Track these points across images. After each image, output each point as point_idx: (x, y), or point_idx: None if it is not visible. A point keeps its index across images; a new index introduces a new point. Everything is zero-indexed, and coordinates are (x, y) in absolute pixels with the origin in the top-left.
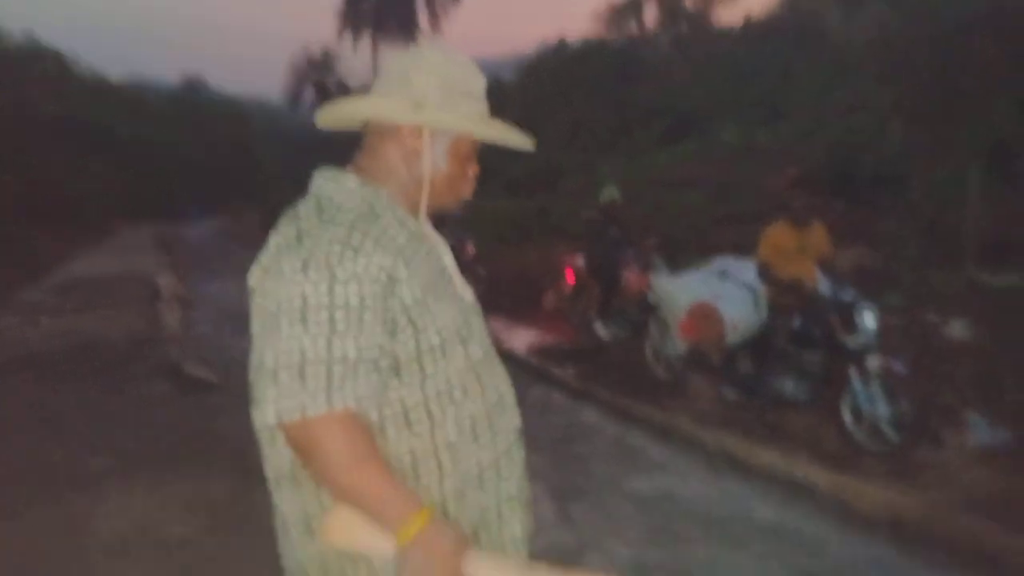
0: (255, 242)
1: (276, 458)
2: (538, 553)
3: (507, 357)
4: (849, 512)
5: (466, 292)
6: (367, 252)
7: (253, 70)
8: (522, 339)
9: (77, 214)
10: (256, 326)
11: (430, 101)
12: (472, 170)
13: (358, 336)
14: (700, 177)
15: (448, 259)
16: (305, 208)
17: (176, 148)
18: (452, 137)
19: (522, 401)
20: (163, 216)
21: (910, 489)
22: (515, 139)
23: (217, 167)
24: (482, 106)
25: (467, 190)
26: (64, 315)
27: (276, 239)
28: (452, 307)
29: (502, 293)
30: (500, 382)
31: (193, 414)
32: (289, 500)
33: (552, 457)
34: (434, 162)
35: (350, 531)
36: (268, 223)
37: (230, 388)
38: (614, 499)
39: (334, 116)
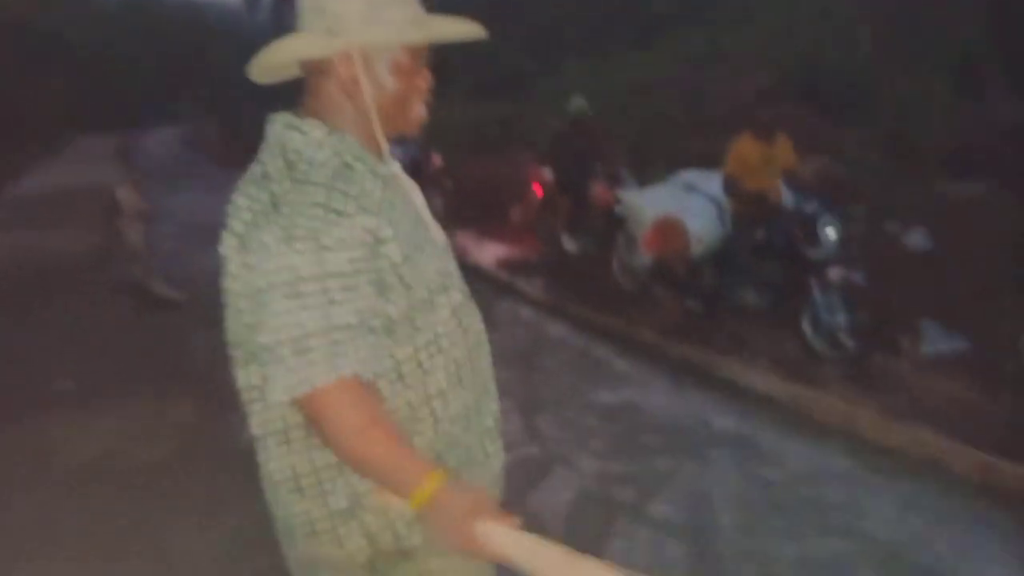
0: (216, 153)
1: (265, 415)
2: (507, 469)
3: (475, 271)
4: (806, 422)
5: (439, 234)
6: (350, 214)
7: None
8: (490, 252)
9: (27, 125)
10: (241, 300)
11: (347, 22)
12: (422, 82)
13: (354, 301)
14: (668, 83)
15: (419, 201)
16: (274, 165)
17: (130, 53)
18: (388, 53)
19: (489, 315)
20: (119, 125)
21: (865, 398)
22: (459, 30)
23: (173, 72)
24: (413, 9)
25: (421, 107)
26: (18, 232)
27: (248, 203)
28: (433, 257)
29: (468, 205)
30: (475, 320)
31: (158, 334)
32: (277, 458)
33: (519, 371)
34: (377, 86)
35: None
36: (227, 134)
37: (196, 306)
38: (580, 412)
39: (265, 68)
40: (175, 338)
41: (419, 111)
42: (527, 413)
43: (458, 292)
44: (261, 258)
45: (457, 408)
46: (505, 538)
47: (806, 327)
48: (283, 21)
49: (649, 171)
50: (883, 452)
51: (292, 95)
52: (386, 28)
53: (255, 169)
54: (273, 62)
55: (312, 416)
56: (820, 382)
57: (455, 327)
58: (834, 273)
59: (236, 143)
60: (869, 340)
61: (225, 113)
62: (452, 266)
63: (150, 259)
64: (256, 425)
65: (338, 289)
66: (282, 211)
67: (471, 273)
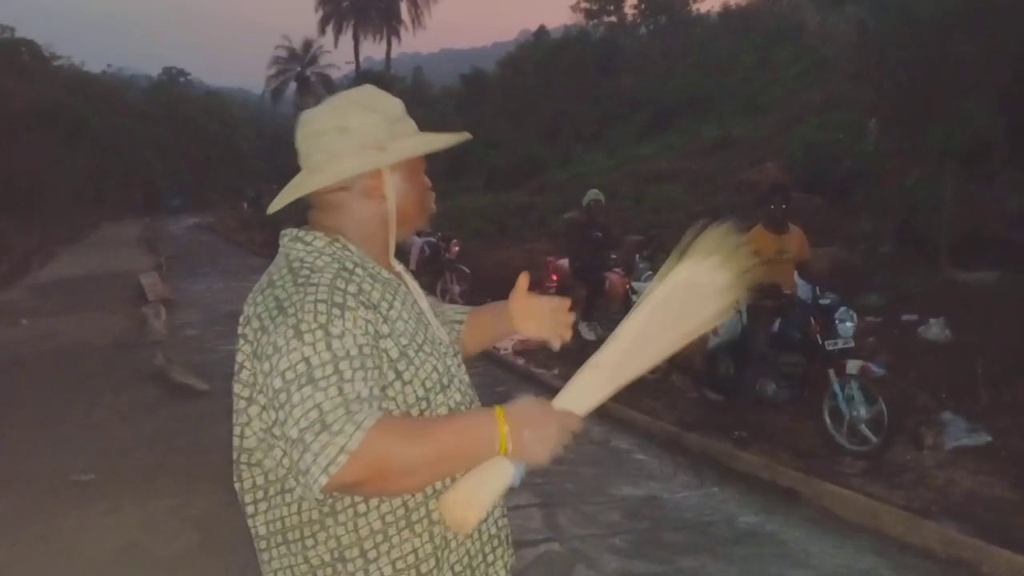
0: (239, 240)
1: (269, 515)
2: (526, 565)
3: (492, 358)
4: (830, 517)
5: (442, 333)
6: (351, 307)
7: (235, 63)
8: (505, 340)
9: (55, 209)
10: (253, 407)
11: (376, 138)
12: (429, 185)
13: (365, 380)
14: (680, 170)
15: (423, 303)
16: (279, 274)
17: (157, 140)
18: (413, 168)
19: (507, 402)
20: (144, 210)
21: (888, 493)
22: (448, 140)
23: (198, 159)
24: (412, 123)
25: (431, 207)
26: (45, 317)
27: (256, 311)
28: (433, 355)
29: (485, 291)
30: None
31: (180, 422)
32: (276, 559)
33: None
34: (399, 193)
35: (469, 499)
36: (250, 219)
37: (217, 394)
38: (602, 506)
39: (288, 199)
40: (196, 427)
41: (427, 215)
42: (548, 507)
43: (458, 392)
44: (275, 360)
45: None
46: (576, 394)
47: (826, 419)
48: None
49: (663, 259)
50: (909, 550)
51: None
52: (414, 142)
53: (263, 279)
54: (304, 189)
55: (364, 476)
56: (842, 476)
57: None
58: (853, 365)
59: (257, 231)
60: (891, 433)
61: (248, 201)
62: (455, 366)
63: (172, 345)
64: (256, 526)
65: (349, 370)
66: (288, 312)
67: (489, 359)
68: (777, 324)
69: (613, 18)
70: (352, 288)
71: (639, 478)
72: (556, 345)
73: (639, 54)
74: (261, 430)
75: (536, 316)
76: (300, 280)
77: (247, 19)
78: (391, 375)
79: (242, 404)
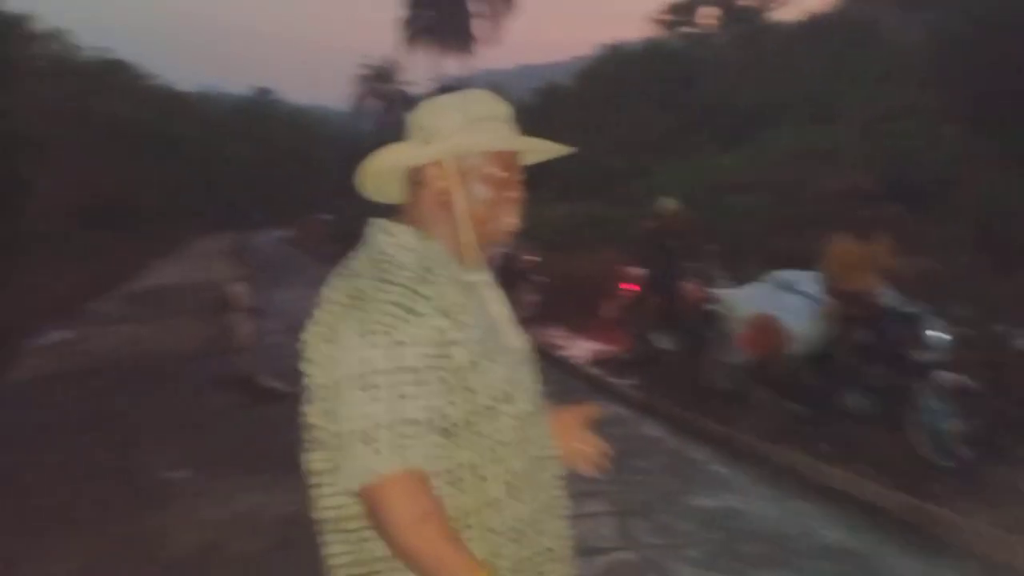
0: (320, 252)
1: (325, 502)
2: (598, 573)
3: (565, 367)
4: (918, 535)
5: (518, 340)
6: (423, 314)
7: (319, 81)
8: (580, 349)
9: (148, 224)
10: (319, 389)
11: (442, 133)
12: (514, 194)
13: (422, 398)
14: (758, 181)
15: (501, 308)
16: (361, 264)
17: (243, 157)
18: (479, 165)
19: None
20: (231, 225)
21: (980, 511)
22: (545, 149)
23: (282, 175)
24: (505, 127)
25: (510, 216)
26: (139, 323)
27: (335, 296)
28: (503, 365)
29: (560, 302)
30: (542, 433)
31: (264, 426)
32: (333, 545)
33: (611, 473)
34: (469, 196)
35: None
36: (332, 233)
37: (300, 399)
38: (676, 517)
39: (372, 181)
40: (278, 430)
41: (509, 221)
42: (621, 516)
43: (526, 403)
44: (339, 350)
45: (509, 521)
46: None
47: (915, 433)
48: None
49: (741, 269)
50: (1002, 570)
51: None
52: (478, 138)
53: (347, 264)
54: (377, 169)
55: (371, 505)
56: (931, 492)
57: (518, 438)
58: (946, 377)
59: (338, 244)
60: (983, 449)
61: (331, 213)
62: (527, 376)
63: (257, 352)
64: (317, 510)
65: (409, 384)
66: (362, 307)
67: (562, 368)
68: (863, 334)
69: (691, 28)
70: (429, 292)
71: (715, 489)
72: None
73: (717, 64)
74: (323, 411)
75: (570, 435)
76: (381, 275)
77: (330, 40)
78: (456, 382)
79: (310, 384)
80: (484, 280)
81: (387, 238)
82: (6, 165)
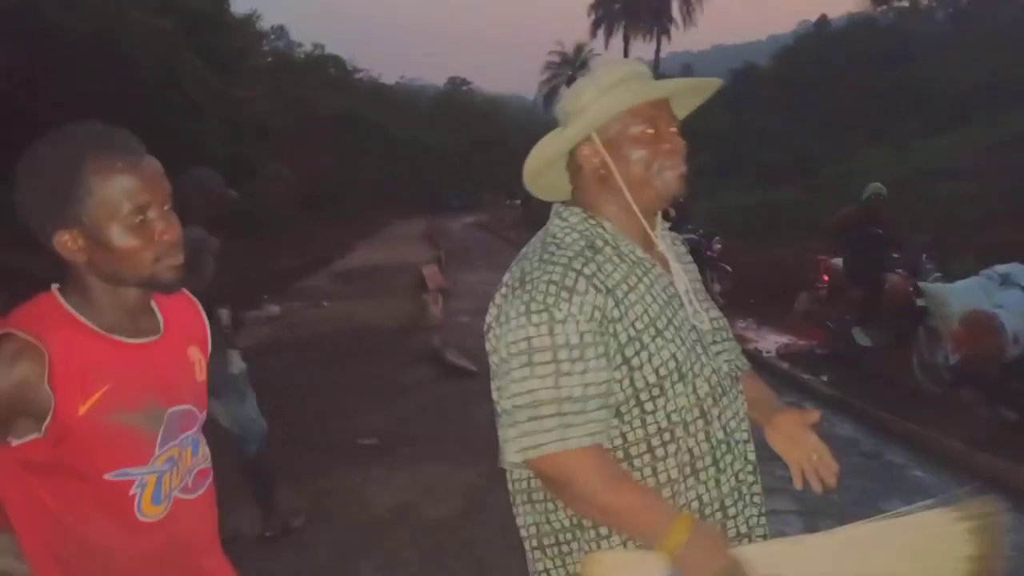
0: (509, 237)
1: (514, 474)
2: None
3: (755, 359)
4: None
5: (702, 318)
6: (580, 292)
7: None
8: (770, 341)
9: (355, 209)
10: (492, 368)
11: (578, 112)
12: (668, 146)
13: (583, 373)
14: (979, 166)
15: (681, 283)
16: (532, 246)
17: (442, 146)
18: (623, 128)
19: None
20: (428, 209)
21: None
22: (689, 87)
23: (478, 162)
24: (638, 84)
25: (672, 172)
26: (342, 300)
27: (507, 279)
28: (675, 341)
29: (749, 291)
30: (731, 417)
31: (452, 399)
32: (522, 515)
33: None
34: (622, 161)
35: (614, 570)
36: (521, 218)
37: (485, 375)
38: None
39: (535, 179)
40: (466, 404)
41: (670, 175)
42: (810, 517)
43: (706, 383)
44: (506, 329)
45: (689, 503)
46: (762, 556)
47: None
48: None
49: (955, 262)
50: None
51: None
52: (611, 101)
53: (523, 249)
54: (534, 170)
55: (546, 478)
56: None
57: (697, 418)
58: None
59: (526, 229)
60: None
61: (519, 200)
62: (709, 355)
63: (448, 330)
64: (509, 481)
65: (567, 361)
66: (526, 287)
67: (752, 361)
68: None
69: (905, 3)
70: (588, 269)
71: (914, 495)
72: (799, 484)
73: (935, 40)
74: (496, 387)
75: (796, 442)
76: (545, 256)
77: (524, 28)
78: (617, 359)
79: (493, 361)
80: (665, 255)
81: (558, 221)
82: (239, 152)
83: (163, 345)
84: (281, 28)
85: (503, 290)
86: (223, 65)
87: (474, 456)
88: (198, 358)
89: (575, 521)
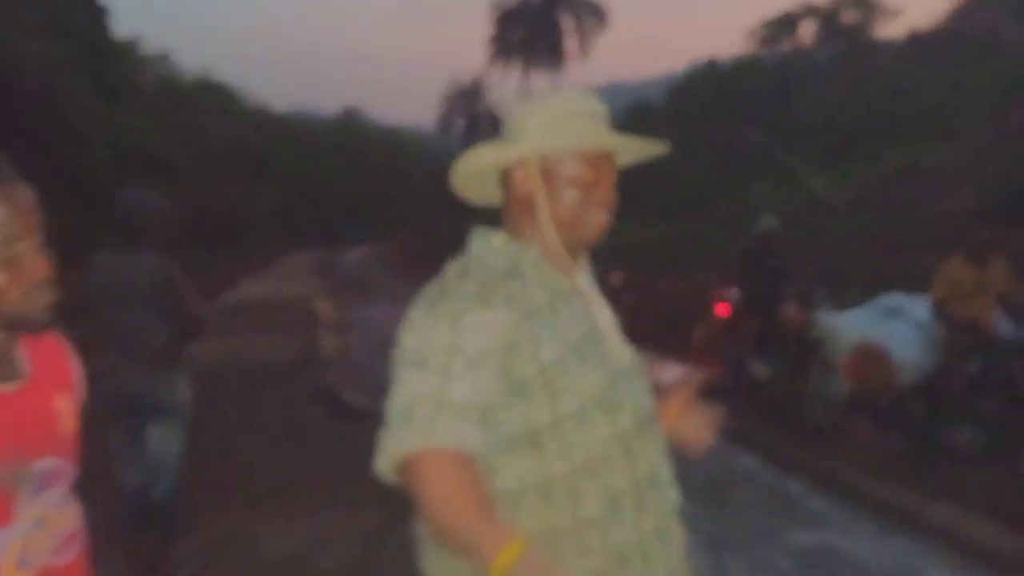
0: (407, 269)
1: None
2: None
3: (654, 392)
4: None
5: (623, 354)
6: (495, 307)
7: (407, 101)
8: (670, 374)
9: (244, 239)
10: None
11: (526, 134)
12: (602, 195)
13: (474, 384)
14: (862, 200)
15: (603, 318)
16: (453, 268)
17: (333, 176)
18: (564, 166)
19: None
20: (321, 242)
21: None
22: (637, 147)
23: (371, 194)
24: (593, 124)
25: (599, 217)
26: (232, 335)
27: (421, 295)
28: (597, 372)
29: (649, 323)
30: (654, 455)
31: (347, 440)
32: (427, 560)
33: (705, 505)
34: (554, 198)
35: None
36: (421, 250)
37: (383, 416)
38: (773, 553)
39: (464, 182)
40: (362, 445)
41: (595, 224)
42: (715, 551)
43: (629, 417)
44: (405, 335)
45: (613, 543)
46: None
47: None
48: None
49: (845, 292)
50: None
51: (487, 213)
52: (562, 136)
53: (443, 270)
54: (465, 173)
55: (408, 483)
56: None
57: (619, 453)
58: None
59: (425, 262)
60: None
61: (418, 231)
62: (632, 391)
63: (342, 368)
64: (413, 526)
65: (460, 366)
66: (440, 297)
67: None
68: (976, 365)
69: (789, 45)
70: (508, 290)
71: (814, 525)
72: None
73: (817, 80)
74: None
75: (686, 417)
76: (464, 272)
77: (418, 60)
78: (538, 383)
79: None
80: (586, 287)
81: (481, 241)
82: (124, 180)
83: (27, 394)
84: (165, 54)
85: (416, 303)
86: (109, 90)
87: (372, 500)
88: (67, 407)
89: (479, 569)
